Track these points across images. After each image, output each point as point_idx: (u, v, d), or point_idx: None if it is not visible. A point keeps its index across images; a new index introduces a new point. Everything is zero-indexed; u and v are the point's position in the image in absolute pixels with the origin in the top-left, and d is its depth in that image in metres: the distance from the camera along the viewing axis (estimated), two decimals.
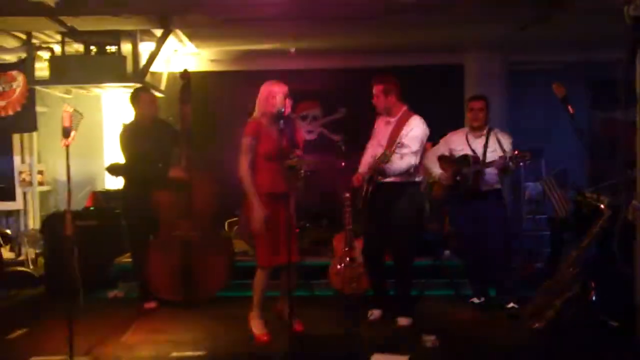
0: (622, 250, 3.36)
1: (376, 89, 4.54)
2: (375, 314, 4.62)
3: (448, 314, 4.79)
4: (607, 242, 3.58)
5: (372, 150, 4.63)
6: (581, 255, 3.48)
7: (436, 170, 4.96)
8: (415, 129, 4.42)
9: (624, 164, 3.38)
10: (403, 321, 4.48)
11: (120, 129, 5.19)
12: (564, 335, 3.72)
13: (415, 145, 4.39)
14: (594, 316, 3.70)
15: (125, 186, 5.19)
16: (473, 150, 4.80)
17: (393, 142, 4.37)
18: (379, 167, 4.35)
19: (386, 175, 4.42)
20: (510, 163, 4.44)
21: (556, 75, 3.89)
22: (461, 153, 4.85)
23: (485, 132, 4.85)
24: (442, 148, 5.04)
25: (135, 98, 5.06)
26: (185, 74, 5.05)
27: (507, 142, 4.75)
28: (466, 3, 4.97)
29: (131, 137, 4.96)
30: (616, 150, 3.45)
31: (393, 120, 4.54)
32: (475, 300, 4.97)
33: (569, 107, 3.53)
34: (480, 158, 4.75)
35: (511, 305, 4.69)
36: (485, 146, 4.77)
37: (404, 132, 4.40)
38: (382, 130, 4.59)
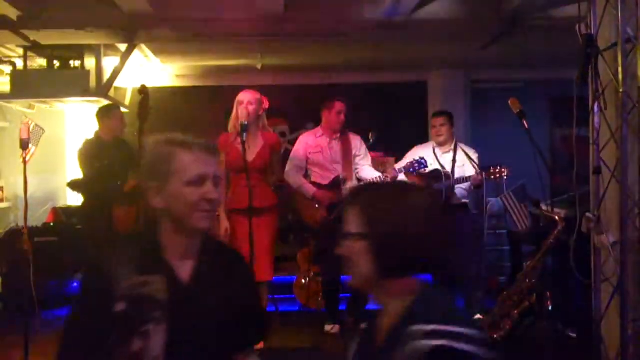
0: (578, 262, 3.44)
1: (343, 107, 4.69)
2: (335, 327, 4.62)
3: None
4: (563, 254, 3.67)
5: (324, 168, 4.67)
6: (537, 266, 3.56)
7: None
8: (363, 143, 4.76)
9: (578, 179, 3.47)
10: None
11: (80, 145, 5.10)
12: (522, 346, 3.78)
13: (369, 157, 4.70)
14: (552, 326, 3.77)
15: (84, 203, 5.12)
16: (442, 165, 4.86)
17: (351, 158, 4.63)
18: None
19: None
20: (488, 179, 4.53)
21: (517, 92, 3.99)
22: (431, 168, 4.91)
23: (452, 147, 4.90)
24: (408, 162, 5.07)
25: (106, 114, 5.01)
26: (143, 89, 4.94)
27: (474, 157, 4.79)
28: (430, 24, 5.08)
29: (93, 152, 4.88)
30: (573, 165, 3.55)
31: (336, 137, 4.65)
32: None
33: (524, 122, 3.63)
34: (450, 173, 4.80)
35: (477, 316, 4.71)
36: (454, 161, 4.83)
37: (354, 146, 4.68)
38: (328, 149, 4.68)
